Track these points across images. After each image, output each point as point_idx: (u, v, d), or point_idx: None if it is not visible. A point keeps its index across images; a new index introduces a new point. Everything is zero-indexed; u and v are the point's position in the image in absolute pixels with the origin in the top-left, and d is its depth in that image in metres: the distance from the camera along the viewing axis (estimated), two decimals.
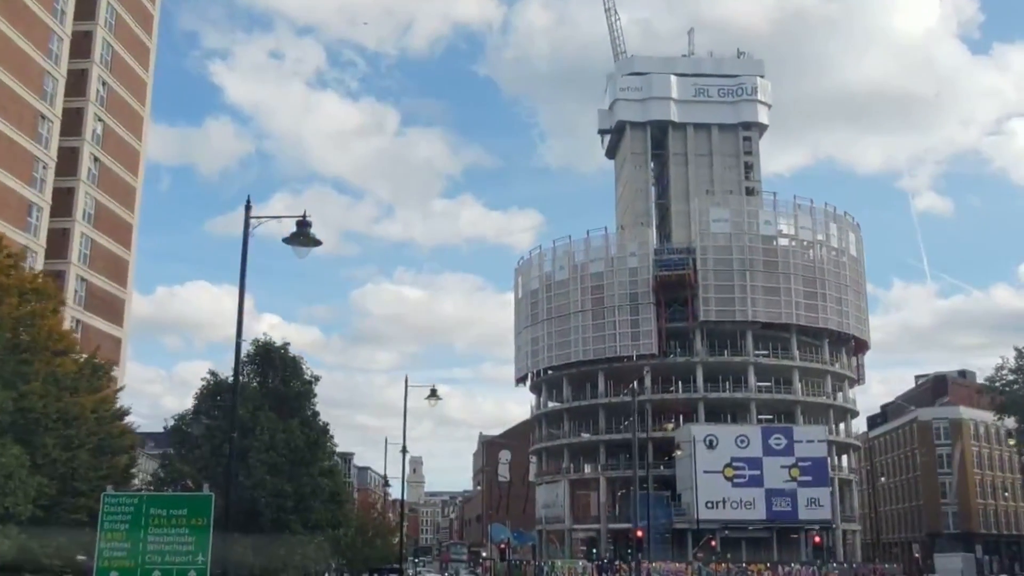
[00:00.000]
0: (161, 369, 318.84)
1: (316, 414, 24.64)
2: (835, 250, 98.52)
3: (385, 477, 68.65)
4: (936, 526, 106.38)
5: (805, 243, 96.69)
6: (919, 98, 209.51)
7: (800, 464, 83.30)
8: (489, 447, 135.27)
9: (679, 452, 69.06)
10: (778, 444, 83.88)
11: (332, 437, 26.16)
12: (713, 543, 75.28)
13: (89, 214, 58.13)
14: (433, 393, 42.60)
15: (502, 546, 59.08)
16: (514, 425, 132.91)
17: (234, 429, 18.01)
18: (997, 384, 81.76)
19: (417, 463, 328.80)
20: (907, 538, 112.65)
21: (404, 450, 44.18)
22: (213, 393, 22.86)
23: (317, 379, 24.76)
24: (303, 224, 19.72)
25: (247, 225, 19.32)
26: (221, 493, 20.10)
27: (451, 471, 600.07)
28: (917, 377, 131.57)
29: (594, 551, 66.11)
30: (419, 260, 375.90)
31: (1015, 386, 79.90)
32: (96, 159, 58.91)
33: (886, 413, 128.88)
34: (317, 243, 19.86)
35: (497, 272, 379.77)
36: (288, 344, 24.26)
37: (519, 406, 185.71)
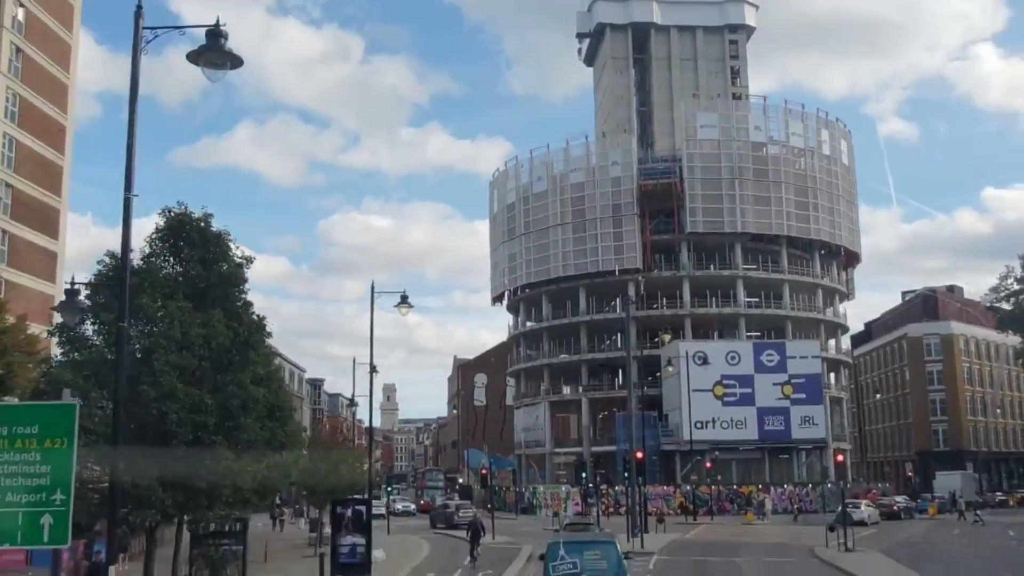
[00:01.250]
0: None
1: (248, 305, 19.00)
2: (827, 158, 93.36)
3: (352, 398, 63.56)
4: (925, 444, 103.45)
5: (796, 151, 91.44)
6: (885, 22, 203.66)
7: (793, 381, 79.10)
8: (464, 370, 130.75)
9: (670, 368, 64.47)
10: (770, 360, 79.52)
11: (270, 334, 20.72)
12: (709, 464, 71.15)
13: (12, 112, 51.67)
14: (403, 300, 37.56)
15: (483, 471, 54.27)
16: (490, 348, 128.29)
17: (124, 315, 12.57)
18: (1002, 294, 77.98)
19: (390, 390, 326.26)
20: (895, 457, 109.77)
21: (372, 367, 39.09)
22: (113, 283, 17.32)
23: (250, 260, 19.12)
24: (215, 35, 14.05)
25: (137, 31, 13.65)
26: (129, 410, 14.81)
27: (425, 399, 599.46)
28: (904, 293, 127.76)
29: (583, 475, 61.73)
30: (387, 189, 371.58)
31: (1022, 296, 76.08)
32: (18, 49, 52.22)
33: (870, 331, 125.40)
34: (237, 62, 14.30)
35: (466, 200, 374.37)
36: (210, 216, 18.58)
37: (492, 333, 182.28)
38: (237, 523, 23.74)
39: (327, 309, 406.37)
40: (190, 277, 18.10)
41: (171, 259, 18.33)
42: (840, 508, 38.18)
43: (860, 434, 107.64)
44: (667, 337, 60.32)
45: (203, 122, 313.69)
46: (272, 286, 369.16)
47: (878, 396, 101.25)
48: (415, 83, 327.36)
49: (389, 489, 61.63)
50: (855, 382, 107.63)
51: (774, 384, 78.96)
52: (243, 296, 18.76)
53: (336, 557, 31.58)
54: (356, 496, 37.32)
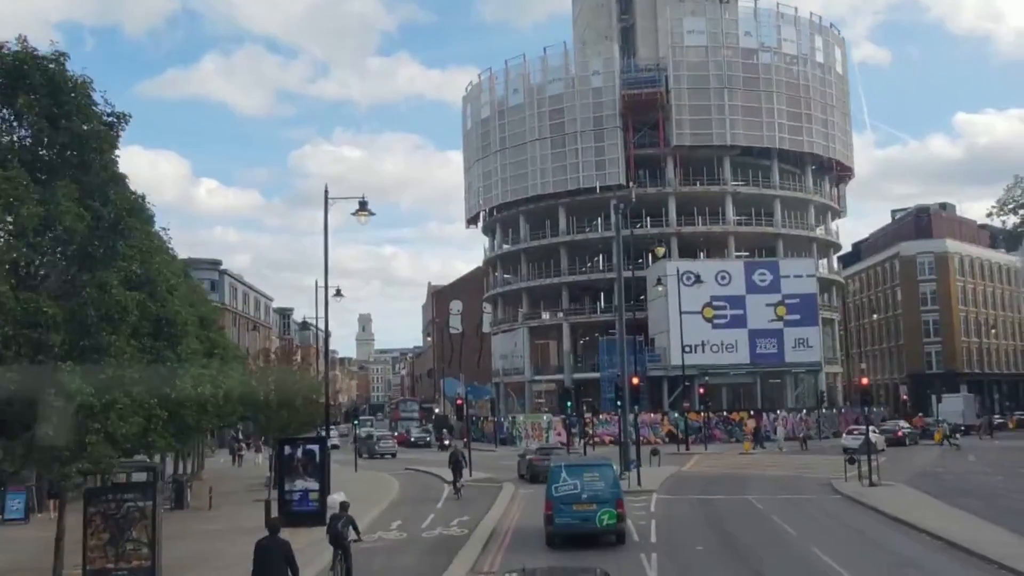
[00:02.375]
0: None
1: (118, 180, 13.60)
2: (820, 66, 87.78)
3: (317, 324, 58.42)
4: (918, 366, 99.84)
5: (789, 58, 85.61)
6: None
7: (787, 302, 74.70)
8: (439, 297, 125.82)
9: (660, 288, 59.59)
10: (763, 280, 74.99)
11: (152, 216, 15.50)
12: (702, 390, 66.92)
13: None
14: (363, 207, 32.57)
15: (459, 401, 49.52)
16: (465, 273, 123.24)
17: None
18: (1009, 206, 73.46)
19: (366, 320, 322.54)
20: (885, 380, 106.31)
21: (326, 272, 34.13)
22: None
23: (126, 118, 13.71)
24: None
25: None
26: None
27: (401, 329, 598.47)
28: (894, 212, 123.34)
29: (568, 403, 57.23)
30: (358, 119, 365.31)
31: None
32: None
33: (859, 251, 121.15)
34: None
35: (438, 131, 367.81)
36: (64, 57, 13.07)
37: (467, 265, 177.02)
38: (147, 473, 18.79)
39: (302, 242, 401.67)
40: (33, 139, 12.82)
41: (6, 113, 12.96)
42: (866, 437, 33.71)
43: (847, 357, 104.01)
44: (661, 250, 55.44)
45: (169, 53, 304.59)
46: (245, 218, 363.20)
47: (875, 316, 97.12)
48: (382, 11, 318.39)
49: (356, 422, 56.77)
50: (843, 304, 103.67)
51: (767, 305, 74.61)
52: (112, 167, 13.43)
53: (285, 505, 26.99)
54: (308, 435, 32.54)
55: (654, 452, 42.20)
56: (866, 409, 39.50)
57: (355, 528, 18.34)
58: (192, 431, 21.82)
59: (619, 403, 39.91)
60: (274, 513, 26.55)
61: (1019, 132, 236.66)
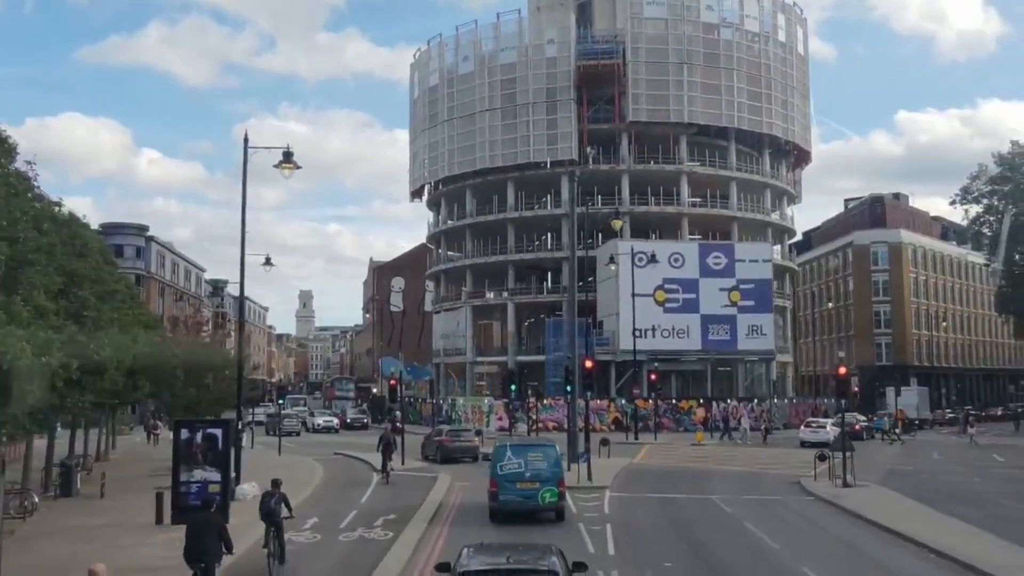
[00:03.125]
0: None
1: None
2: (782, 45, 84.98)
3: (239, 299, 54.22)
4: (867, 358, 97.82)
5: (751, 35, 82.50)
6: None
7: (741, 287, 71.84)
8: (380, 273, 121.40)
9: (612, 267, 56.18)
10: (717, 264, 72.03)
11: (13, 149, 11.67)
12: (654, 376, 63.74)
13: None
14: (287, 157, 28.66)
15: (392, 381, 45.49)
16: (408, 250, 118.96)
17: None
18: (972, 195, 71.48)
19: (307, 297, 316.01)
20: (834, 371, 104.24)
21: (243, 222, 30.26)
22: None
23: None
24: None
25: None
26: None
27: (343, 308, 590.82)
28: (847, 200, 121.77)
29: (512, 386, 53.62)
30: (304, 95, 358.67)
31: (994, 197, 69.63)
32: None
33: (810, 240, 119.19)
34: None
35: (386, 109, 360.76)
36: None
37: (413, 244, 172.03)
38: None
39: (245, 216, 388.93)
40: None
41: None
42: (841, 432, 30.50)
43: (795, 347, 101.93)
44: (619, 223, 52.29)
45: (111, 19, 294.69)
46: (187, 191, 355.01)
47: (830, 304, 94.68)
48: None
49: (281, 402, 52.49)
50: (793, 292, 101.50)
51: (720, 290, 71.67)
52: None
53: (180, 498, 23.00)
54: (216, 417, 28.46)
55: (604, 442, 38.77)
56: (842, 402, 36.28)
57: (287, 505, 18.12)
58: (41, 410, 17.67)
59: (568, 388, 36.29)
60: (167, 508, 22.67)
61: (958, 132, 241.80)
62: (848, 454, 29.62)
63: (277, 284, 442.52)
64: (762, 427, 55.10)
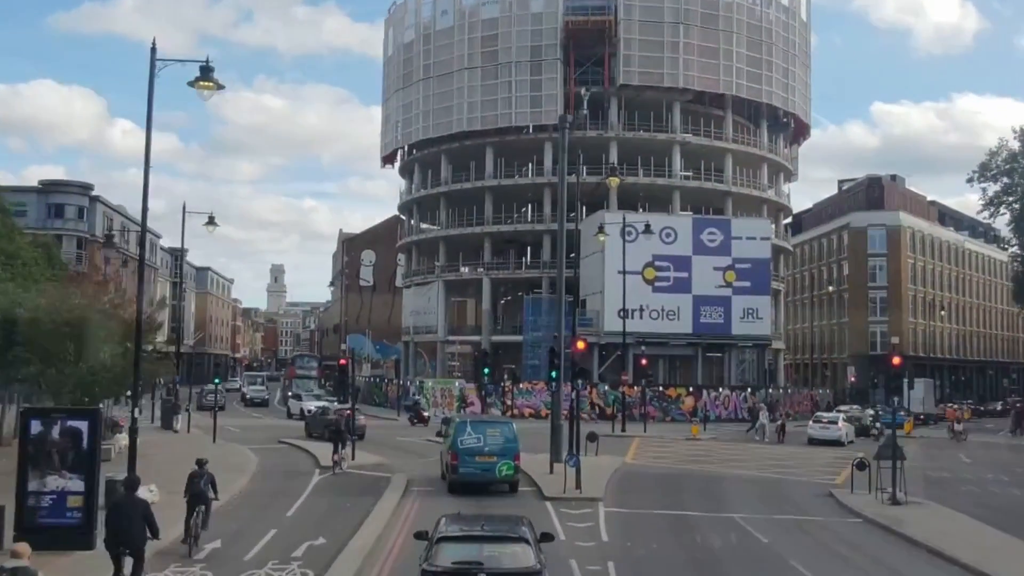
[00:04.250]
0: (8, 173, 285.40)
1: None
2: (785, 9, 79.16)
3: (141, 234, 48.04)
4: (862, 347, 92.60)
5: None
6: None
7: (737, 266, 66.15)
8: (350, 246, 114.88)
9: (602, 237, 50.14)
10: (712, 240, 66.29)
11: None
12: (644, 361, 58.03)
13: None
14: (204, 72, 22.62)
15: (342, 361, 39.14)
16: (380, 222, 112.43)
17: None
18: (991, 172, 66.08)
19: (278, 271, 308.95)
20: (825, 359, 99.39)
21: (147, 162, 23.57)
22: None
23: None
24: None
25: None
26: None
27: (316, 284, 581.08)
28: (841, 182, 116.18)
29: (485, 369, 47.55)
30: (281, 69, 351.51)
31: (1015, 175, 64.23)
32: None
33: (800, 222, 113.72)
34: None
35: (364, 85, 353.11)
36: None
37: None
38: None
39: (220, 190, 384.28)
40: None
41: None
42: (892, 436, 24.63)
43: (784, 334, 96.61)
44: (616, 181, 45.94)
45: None
46: (161, 163, 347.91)
47: (830, 288, 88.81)
48: None
49: (217, 381, 45.93)
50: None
51: (715, 269, 65.93)
52: None
53: (26, 514, 16.94)
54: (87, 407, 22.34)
55: (591, 437, 32.93)
56: (896, 399, 30.25)
57: (214, 487, 17.78)
58: None
59: (553, 374, 30.26)
60: (7, 528, 16.56)
61: (934, 125, 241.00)
62: (899, 463, 23.93)
63: (252, 259, 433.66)
64: (779, 423, 48.43)
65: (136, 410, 20.19)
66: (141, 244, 21.19)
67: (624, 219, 55.66)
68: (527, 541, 11.65)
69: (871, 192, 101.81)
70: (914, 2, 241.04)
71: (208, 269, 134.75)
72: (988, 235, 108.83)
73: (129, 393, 26.72)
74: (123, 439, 26.59)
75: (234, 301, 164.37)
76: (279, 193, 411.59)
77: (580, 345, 31.48)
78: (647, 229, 53.80)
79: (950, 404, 62.70)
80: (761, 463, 35.03)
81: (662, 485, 28.10)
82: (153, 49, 23.04)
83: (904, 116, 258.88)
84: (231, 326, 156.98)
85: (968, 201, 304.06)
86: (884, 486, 24.18)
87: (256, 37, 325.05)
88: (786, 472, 32.30)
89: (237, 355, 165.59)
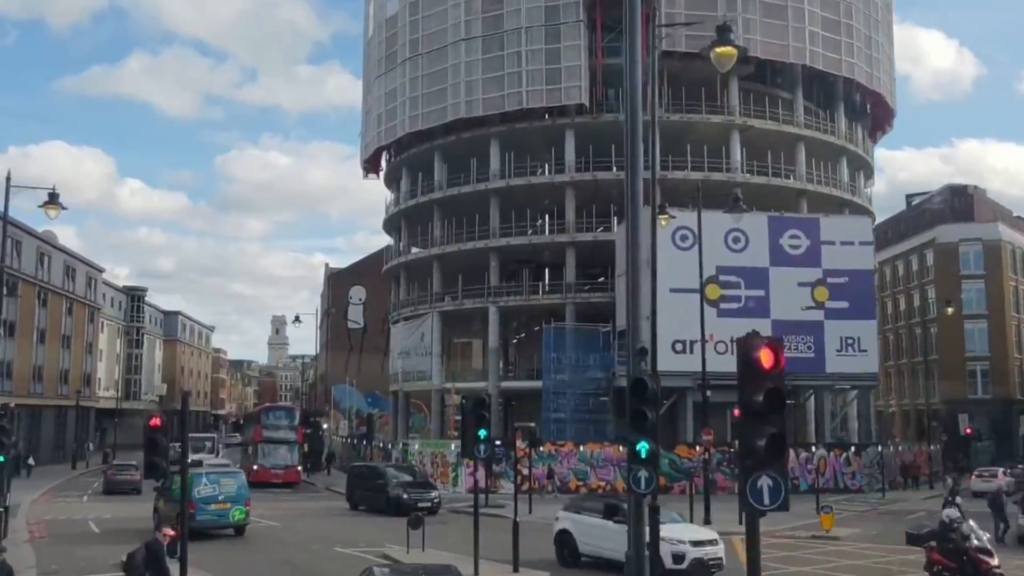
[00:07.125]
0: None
1: None
2: None
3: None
4: (958, 389, 74.83)
5: None
6: None
7: (830, 281, 49.32)
8: (336, 281, 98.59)
9: (663, 222, 32.98)
10: (795, 247, 49.58)
11: None
12: (737, 412, 40.88)
13: None
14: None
15: (154, 420, 22.36)
16: (371, 253, 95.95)
17: None
18: None
19: (280, 323, 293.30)
20: (909, 405, 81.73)
21: None
22: None
23: None
24: None
25: None
26: None
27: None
28: (909, 196, 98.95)
29: (482, 432, 30.89)
30: (286, 127, 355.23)
31: None
32: None
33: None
34: None
35: None
36: None
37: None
38: None
39: (228, 248, 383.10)
40: None
41: None
42: None
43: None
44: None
45: (93, 50, 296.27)
46: (170, 221, 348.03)
47: (949, 310, 70.39)
48: (314, 20, 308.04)
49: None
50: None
51: (800, 284, 49.14)
52: None
53: None
54: None
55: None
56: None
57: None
58: None
59: (641, 444, 12.97)
60: None
61: (938, 170, 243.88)
62: None
63: (260, 315, 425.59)
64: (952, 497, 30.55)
65: None
66: None
67: (674, 222, 38.87)
68: None
69: (956, 203, 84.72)
70: (913, 49, 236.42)
71: (178, 313, 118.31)
72: None
73: None
74: None
75: (216, 351, 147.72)
76: (288, 249, 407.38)
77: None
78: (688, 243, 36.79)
79: None
80: None
81: None
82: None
83: (908, 161, 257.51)
84: (211, 379, 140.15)
85: None
86: None
87: (260, 96, 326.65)
88: None
89: (220, 411, 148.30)
